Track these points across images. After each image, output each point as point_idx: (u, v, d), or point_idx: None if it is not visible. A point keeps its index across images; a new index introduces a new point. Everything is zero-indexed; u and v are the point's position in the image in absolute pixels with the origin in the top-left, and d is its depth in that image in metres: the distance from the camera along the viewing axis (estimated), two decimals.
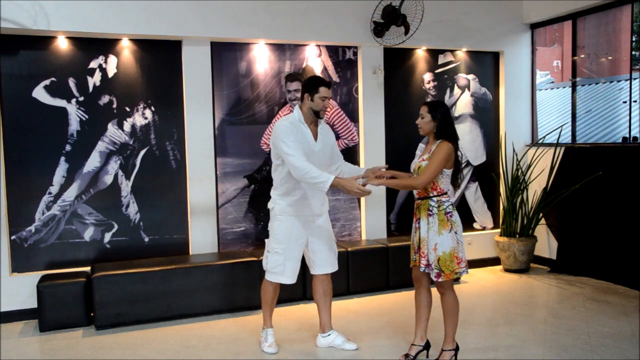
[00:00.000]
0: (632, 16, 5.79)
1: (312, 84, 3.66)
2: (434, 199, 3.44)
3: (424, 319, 3.69)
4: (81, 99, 4.85)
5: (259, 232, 5.42)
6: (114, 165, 4.97)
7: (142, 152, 5.05)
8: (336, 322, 4.46)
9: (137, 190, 5.04)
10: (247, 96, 5.35)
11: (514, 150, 6.29)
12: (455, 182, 3.53)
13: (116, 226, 4.99)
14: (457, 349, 3.60)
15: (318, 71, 5.58)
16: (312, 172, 3.46)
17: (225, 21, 5.07)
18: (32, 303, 4.65)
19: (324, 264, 3.87)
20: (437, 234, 3.41)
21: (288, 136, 3.56)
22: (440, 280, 3.44)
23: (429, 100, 3.71)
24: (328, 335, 3.95)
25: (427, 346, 3.71)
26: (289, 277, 3.78)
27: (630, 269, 5.21)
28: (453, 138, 3.45)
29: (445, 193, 3.47)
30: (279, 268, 3.75)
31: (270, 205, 3.85)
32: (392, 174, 3.75)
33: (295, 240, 3.76)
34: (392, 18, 5.28)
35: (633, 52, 6.11)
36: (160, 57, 5.08)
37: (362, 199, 5.77)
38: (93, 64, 4.89)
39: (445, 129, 3.45)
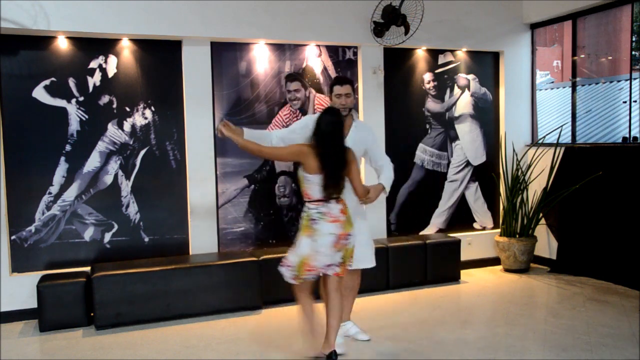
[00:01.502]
0: (632, 16, 5.79)
1: (330, 85, 3.88)
2: (306, 204, 3.52)
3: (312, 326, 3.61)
4: (81, 99, 4.85)
5: (259, 232, 5.42)
6: (114, 165, 4.97)
7: (142, 152, 5.05)
8: None
9: (137, 190, 5.04)
10: (247, 96, 5.35)
11: (514, 150, 6.29)
12: (327, 188, 3.39)
13: (116, 226, 4.99)
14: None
15: (318, 71, 5.58)
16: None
17: (225, 21, 5.07)
18: (32, 303, 4.65)
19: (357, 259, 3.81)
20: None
21: (295, 123, 3.90)
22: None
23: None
24: (344, 325, 3.97)
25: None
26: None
27: (630, 269, 5.21)
28: (318, 143, 3.41)
29: (314, 200, 3.43)
30: None
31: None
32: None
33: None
34: (392, 18, 5.28)
35: (633, 52, 6.11)
36: (160, 57, 5.08)
37: None
38: (93, 64, 4.89)
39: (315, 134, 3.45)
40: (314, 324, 3.57)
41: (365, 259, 3.89)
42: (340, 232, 3.39)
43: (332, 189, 3.40)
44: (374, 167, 3.98)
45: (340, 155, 3.44)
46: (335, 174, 3.40)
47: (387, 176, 3.83)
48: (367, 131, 3.94)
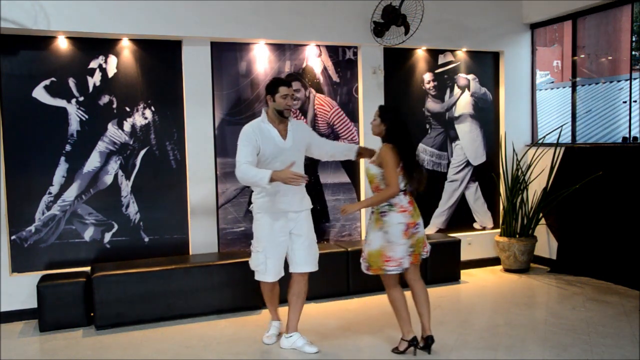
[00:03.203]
0: (632, 16, 5.80)
1: (271, 86, 3.79)
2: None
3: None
4: (81, 99, 4.85)
5: None
6: (114, 165, 4.97)
7: (142, 152, 5.05)
8: (336, 322, 4.47)
9: (137, 190, 5.04)
10: (247, 96, 5.35)
11: (514, 150, 6.29)
12: (411, 181, 3.65)
13: (116, 226, 4.99)
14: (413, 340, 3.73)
15: (318, 71, 5.58)
16: (250, 171, 3.58)
17: (225, 21, 5.07)
18: (32, 303, 4.65)
19: (302, 262, 3.85)
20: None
21: (243, 141, 3.70)
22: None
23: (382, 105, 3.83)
24: (290, 337, 3.91)
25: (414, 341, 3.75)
26: (271, 275, 3.81)
27: (630, 269, 5.21)
28: (399, 140, 3.62)
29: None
30: (261, 267, 3.80)
31: (251, 206, 3.94)
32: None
33: (275, 238, 3.78)
34: (392, 18, 5.28)
35: (633, 52, 6.11)
36: (160, 57, 5.08)
37: (362, 199, 5.77)
38: (93, 64, 4.89)
39: (392, 132, 3.65)
40: (407, 313, 3.73)
41: (313, 262, 3.90)
42: (409, 221, 3.62)
43: (412, 184, 3.66)
44: (325, 154, 4.07)
45: (413, 150, 3.72)
46: (412, 170, 3.62)
47: (342, 143, 3.90)
48: (302, 127, 3.99)
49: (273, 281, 3.87)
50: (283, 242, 3.81)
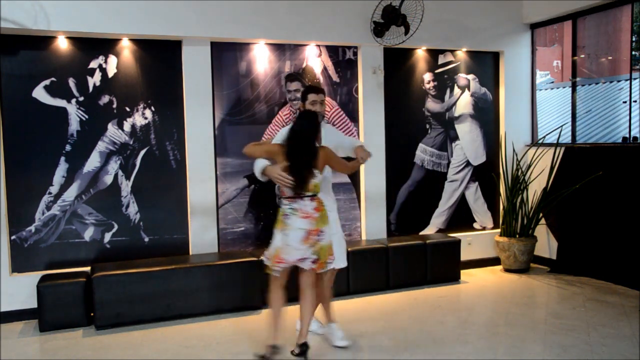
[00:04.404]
0: (632, 16, 5.80)
1: (303, 94, 3.97)
2: (281, 200, 3.67)
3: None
4: (81, 99, 4.85)
5: (259, 232, 5.42)
6: (114, 165, 4.97)
7: (142, 152, 5.05)
8: (338, 322, 4.46)
9: (137, 190, 5.04)
10: (247, 96, 5.35)
11: (514, 150, 6.29)
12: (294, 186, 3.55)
13: (116, 226, 4.99)
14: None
15: (318, 71, 5.58)
16: (257, 162, 3.69)
17: (225, 21, 5.07)
18: (32, 303, 4.65)
19: (338, 258, 3.89)
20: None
21: (273, 139, 3.87)
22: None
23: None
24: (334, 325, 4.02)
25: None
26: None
27: (630, 269, 5.21)
28: (286, 142, 3.59)
29: (287, 197, 3.60)
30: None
31: None
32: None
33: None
34: (392, 18, 5.28)
35: (633, 52, 6.11)
36: (160, 57, 5.08)
37: (362, 199, 5.77)
38: (93, 64, 4.89)
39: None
40: (278, 317, 3.65)
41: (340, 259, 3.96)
42: (312, 228, 3.51)
43: (299, 187, 3.51)
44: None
45: (305, 155, 3.52)
46: (301, 173, 3.50)
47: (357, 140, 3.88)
48: (332, 131, 4.02)
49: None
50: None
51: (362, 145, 3.93)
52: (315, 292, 3.73)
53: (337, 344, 3.96)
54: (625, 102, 7.17)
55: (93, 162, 4.91)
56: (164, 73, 5.10)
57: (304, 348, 3.60)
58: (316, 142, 3.62)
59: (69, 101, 4.82)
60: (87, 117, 4.87)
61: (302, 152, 3.53)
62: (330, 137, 3.93)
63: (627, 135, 5.59)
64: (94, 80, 4.90)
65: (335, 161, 3.71)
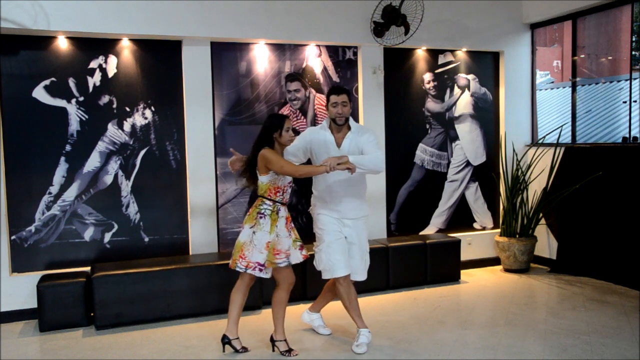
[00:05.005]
0: (632, 16, 5.79)
1: (326, 96, 3.99)
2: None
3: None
4: (81, 99, 4.85)
5: None
6: (114, 165, 4.97)
7: (142, 152, 5.05)
8: (336, 321, 4.46)
9: (137, 190, 5.04)
10: (247, 96, 5.35)
11: (514, 150, 6.30)
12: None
13: (116, 226, 4.99)
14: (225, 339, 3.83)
15: (318, 71, 5.58)
16: (308, 169, 3.79)
17: (225, 21, 5.07)
18: (32, 303, 4.65)
19: (354, 270, 3.92)
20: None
21: (297, 138, 3.92)
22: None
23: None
24: (367, 333, 3.95)
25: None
26: (341, 268, 3.80)
27: (630, 269, 5.21)
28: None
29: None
30: (327, 264, 3.83)
31: (310, 208, 4.12)
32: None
33: (336, 233, 3.85)
34: (392, 18, 5.28)
35: (633, 52, 6.11)
36: (160, 57, 5.08)
37: None
38: (93, 64, 4.89)
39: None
40: (234, 314, 3.81)
41: (362, 272, 4.02)
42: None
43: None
44: None
45: (251, 157, 3.76)
46: (249, 173, 3.78)
47: (362, 156, 3.73)
48: (362, 139, 3.88)
49: (345, 274, 3.81)
50: (343, 239, 3.88)
51: (347, 158, 3.56)
52: (240, 295, 3.81)
53: (321, 332, 4.22)
54: (625, 102, 7.17)
55: (93, 162, 4.91)
56: (164, 73, 5.10)
57: (272, 342, 3.86)
58: (263, 144, 3.68)
59: (69, 101, 4.82)
60: (87, 117, 4.87)
61: (250, 155, 3.76)
62: (357, 142, 3.88)
63: (627, 135, 5.59)
64: (94, 80, 4.90)
65: (272, 163, 3.59)
